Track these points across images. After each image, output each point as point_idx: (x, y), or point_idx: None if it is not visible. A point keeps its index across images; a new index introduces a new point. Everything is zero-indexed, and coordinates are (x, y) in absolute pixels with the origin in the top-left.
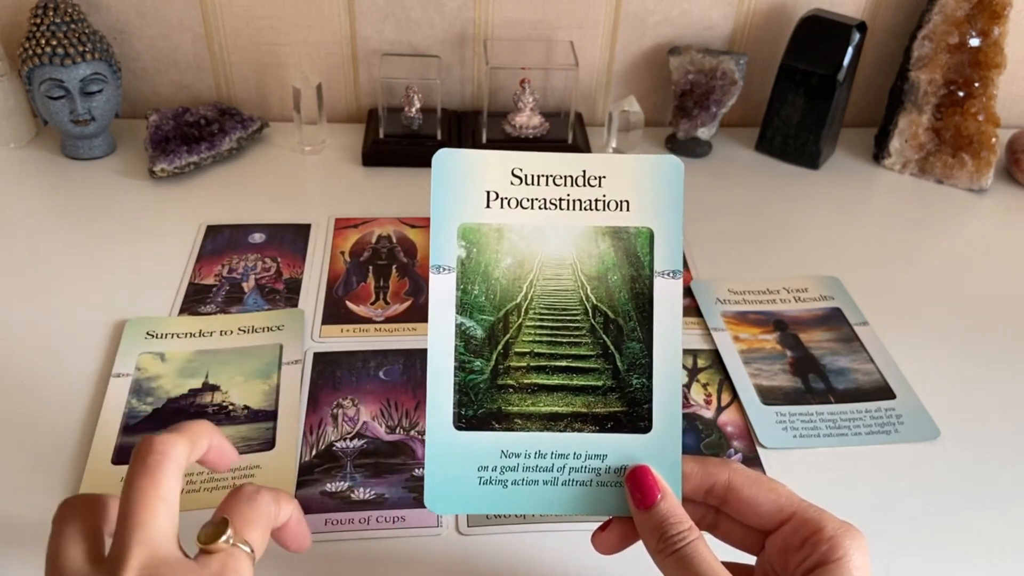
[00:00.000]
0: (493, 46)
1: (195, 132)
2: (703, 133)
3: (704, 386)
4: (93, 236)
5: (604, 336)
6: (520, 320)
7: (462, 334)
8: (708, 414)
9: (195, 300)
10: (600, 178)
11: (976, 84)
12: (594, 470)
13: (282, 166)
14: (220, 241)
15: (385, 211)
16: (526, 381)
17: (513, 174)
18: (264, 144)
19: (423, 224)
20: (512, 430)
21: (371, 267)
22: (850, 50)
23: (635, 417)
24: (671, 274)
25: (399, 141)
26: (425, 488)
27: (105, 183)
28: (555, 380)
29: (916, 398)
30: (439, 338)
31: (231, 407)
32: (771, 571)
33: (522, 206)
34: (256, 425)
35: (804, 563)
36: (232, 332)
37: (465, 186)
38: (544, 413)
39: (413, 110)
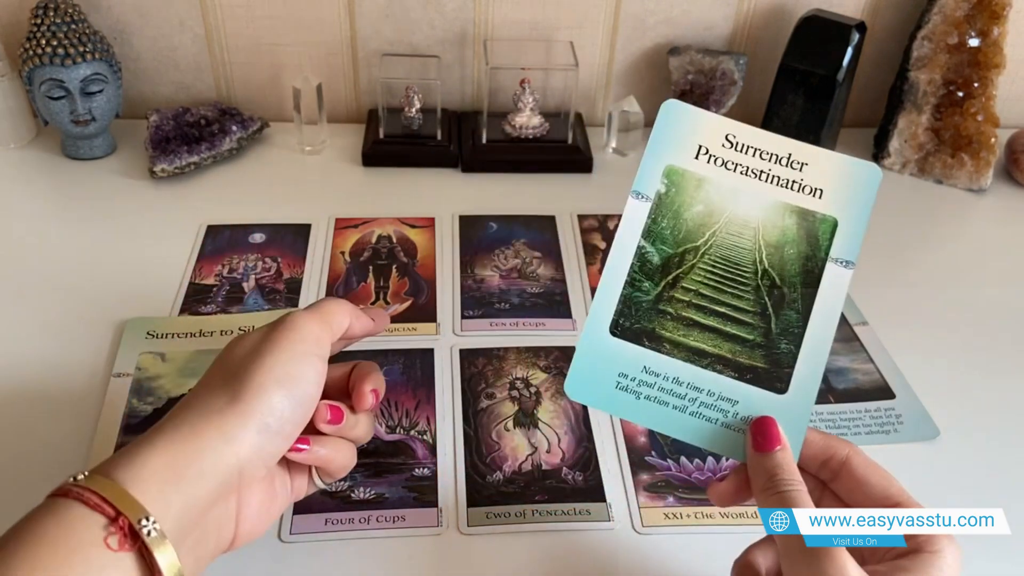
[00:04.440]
0: (493, 46)
1: (195, 132)
2: None
3: None
4: (93, 236)
5: (766, 298)
6: (695, 261)
7: (641, 256)
8: None
9: (195, 300)
10: (803, 164)
11: (976, 84)
12: (722, 411)
13: (282, 166)
14: (220, 241)
15: (385, 211)
16: (684, 314)
17: (726, 138)
18: (264, 144)
19: (423, 224)
20: (659, 352)
21: (371, 267)
22: (850, 50)
23: (774, 377)
24: (844, 263)
25: (399, 141)
26: (568, 375)
27: (105, 183)
28: (710, 321)
29: (916, 398)
30: (620, 254)
31: None
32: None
33: (726, 167)
34: None
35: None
36: (232, 332)
37: (682, 134)
38: (692, 346)
39: (413, 110)
